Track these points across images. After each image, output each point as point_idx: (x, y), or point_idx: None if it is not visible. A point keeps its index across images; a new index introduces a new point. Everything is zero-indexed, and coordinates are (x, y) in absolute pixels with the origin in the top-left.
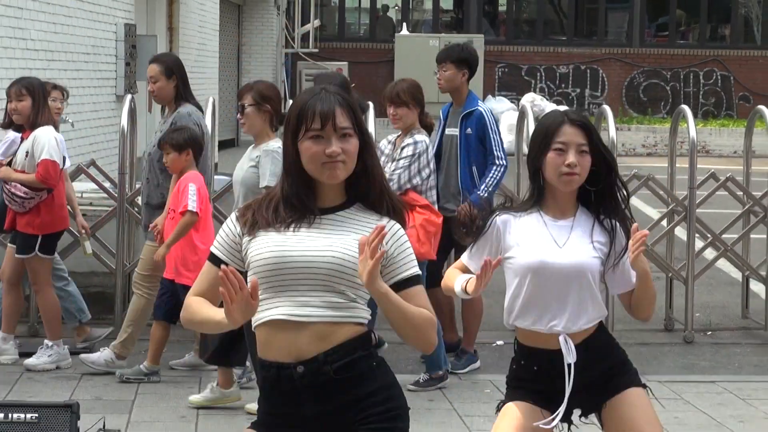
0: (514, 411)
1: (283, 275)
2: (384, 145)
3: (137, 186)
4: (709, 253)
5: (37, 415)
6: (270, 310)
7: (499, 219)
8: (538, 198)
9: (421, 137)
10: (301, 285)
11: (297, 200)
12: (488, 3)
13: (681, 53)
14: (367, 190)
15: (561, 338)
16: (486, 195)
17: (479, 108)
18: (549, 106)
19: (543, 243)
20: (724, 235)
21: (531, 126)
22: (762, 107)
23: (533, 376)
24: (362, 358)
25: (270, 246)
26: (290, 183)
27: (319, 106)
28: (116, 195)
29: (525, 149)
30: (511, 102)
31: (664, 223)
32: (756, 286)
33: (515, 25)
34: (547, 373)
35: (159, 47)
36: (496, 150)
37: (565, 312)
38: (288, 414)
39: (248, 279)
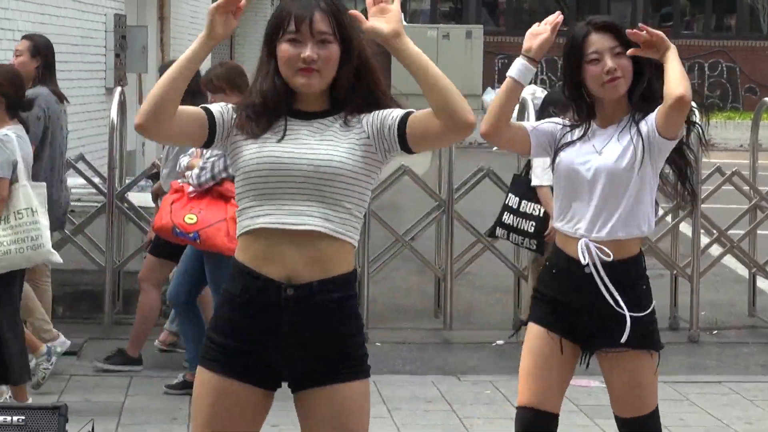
0: (534, 343)
1: (277, 182)
2: None
3: (127, 181)
4: (715, 250)
5: (23, 417)
6: (262, 217)
7: (561, 124)
8: (588, 113)
9: None
10: (296, 193)
11: (276, 104)
12: None
13: (685, 44)
14: (350, 99)
15: (581, 242)
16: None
17: None
18: None
19: (582, 150)
20: (730, 231)
21: (532, 119)
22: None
23: (551, 280)
24: (351, 297)
25: (262, 151)
26: (268, 88)
27: (297, 8)
28: (105, 191)
29: None
30: None
31: (669, 218)
32: (763, 284)
33: (515, 15)
34: (565, 280)
35: (150, 38)
36: None
37: (587, 214)
38: (261, 325)
39: (237, 184)
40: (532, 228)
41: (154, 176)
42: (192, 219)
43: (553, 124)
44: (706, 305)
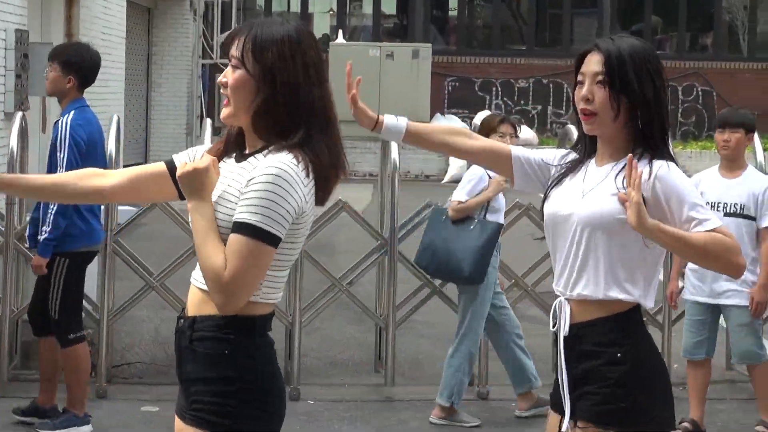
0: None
1: None
2: None
3: (27, 218)
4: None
5: None
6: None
7: (559, 157)
8: (587, 146)
9: None
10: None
11: (227, 145)
12: (437, 7)
13: None
14: (267, 130)
15: (556, 302)
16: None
17: (59, 119)
18: None
19: (568, 190)
20: None
21: None
22: None
23: (554, 347)
24: (217, 340)
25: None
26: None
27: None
28: (2, 229)
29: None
30: (463, 121)
31: None
32: None
33: (468, 33)
34: (555, 345)
35: None
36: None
37: (566, 270)
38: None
39: None
40: None
41: None
42: None
43: (552, 154)
44: (678, 357)
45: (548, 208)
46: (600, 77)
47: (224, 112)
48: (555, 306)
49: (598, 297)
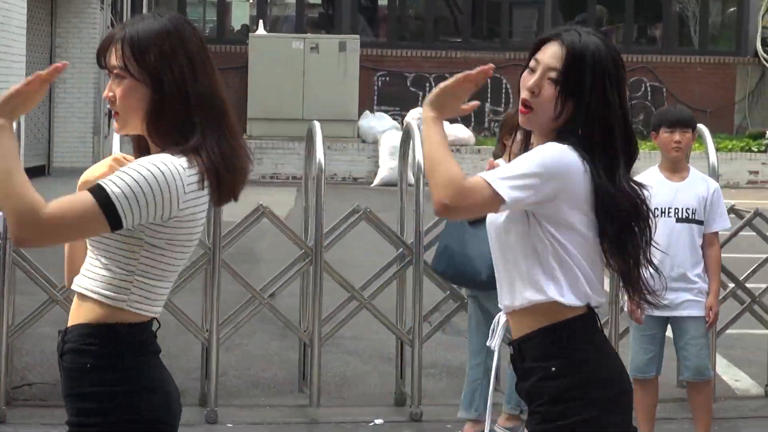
0: None
1: None
2: None
3: None
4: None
5: None
6: None
7: None
8: (523, 141)
9: None
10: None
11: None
12: None
13: None
14: (163, 135)
15: (495, 318)
16: None
17: None
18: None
19: None
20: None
21: (418, 147)
22: (701, 127)
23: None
24: (79, 352)
25: None
26: None
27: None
28: None
29: (410, 178)
30: (394, 119)
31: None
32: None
33: (399, 24)
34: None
35: None
36: None
37: (498, 282)
38: None
39: None
40: None
41: None
42: None
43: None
44: None
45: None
46: (553, 74)
47: (116, 125)
48: (494, 323)
49: (520, 303)
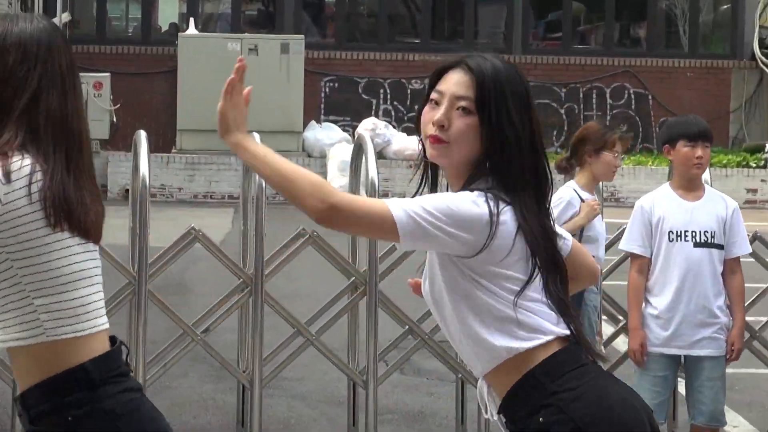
0: None
1: None
2: None
3: None
4: (622, 342)
5: None
6: None
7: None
8: (431, 180)
9: None
10: None
11: None
12: None
13: (579, 63)
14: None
15: (478, 385)
16: None
17: None
18: (398, 136)
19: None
20: None
21: (371, 164)
22: None
23: None
24: (55, 411)
25: None
26: None
27: None
28: None
29: (363, 195)
30: (344, 131)
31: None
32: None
33: (349, 23)
34: None
35: None
36: None
37: (460, 352)
38: None
39: None
40: None
41: None
42: None
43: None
44: None
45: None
46: (464, 103)
47: None
48: (477, 392)
49: (485, 368)
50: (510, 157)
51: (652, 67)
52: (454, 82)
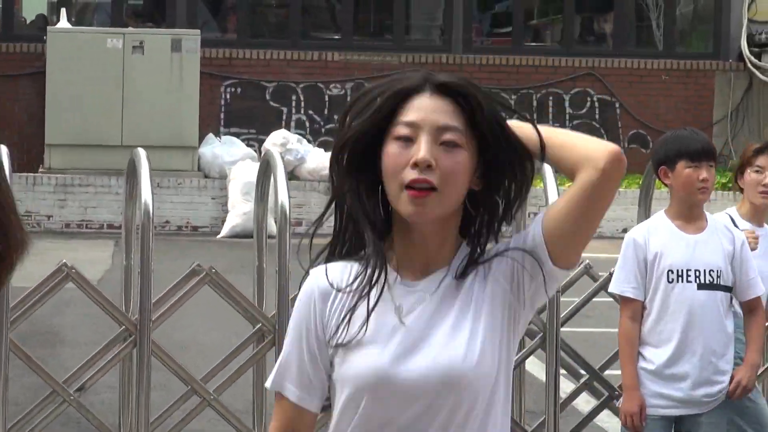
0: None
1: None
2: None
3: None
4: (585, 402)
5: None
6: None
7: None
8: (374, 247)
9: None
10: None
11: None
12: None
13: (533, 63)
14: None
15: None
16: None
17: None
18: (314, 152)
19: (378, 337)
20: (608, 371)
21: (281, 187)
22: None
23: None
24: None
25: None
26: None
27: None
28: None
29: (272, 227)
30: (249, 146)
31: None
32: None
33: (254, 16)
34: None
35: None
36: None
37: None
38: None
39: None
40: None
41: None
42: None
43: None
44: None
45: (352, 369)
46: (452, 135)
47: None
48: None
49: None
50: (510, 189)
51: (619, 69)
52: (431, 110)
